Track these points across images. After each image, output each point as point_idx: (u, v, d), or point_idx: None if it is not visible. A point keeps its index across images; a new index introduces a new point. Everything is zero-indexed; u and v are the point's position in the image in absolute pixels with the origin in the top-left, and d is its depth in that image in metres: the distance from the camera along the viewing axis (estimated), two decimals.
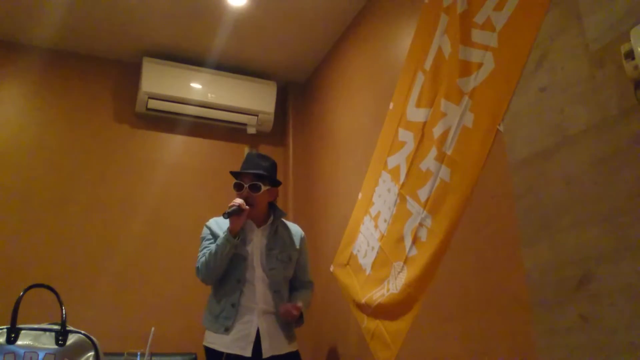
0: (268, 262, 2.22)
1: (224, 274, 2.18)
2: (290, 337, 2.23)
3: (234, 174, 2.30)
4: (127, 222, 3.01)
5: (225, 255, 2.12)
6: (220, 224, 2.28)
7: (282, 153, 3.51)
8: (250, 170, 2.25)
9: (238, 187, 2.24)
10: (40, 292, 1.41)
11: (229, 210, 2.09)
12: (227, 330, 2.11)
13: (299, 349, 2.27)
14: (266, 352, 2.11)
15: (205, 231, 2.30)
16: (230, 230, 2.12)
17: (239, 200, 2.14)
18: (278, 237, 2.30)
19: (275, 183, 2.32)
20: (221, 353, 2.09)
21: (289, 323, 2.23)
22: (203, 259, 2.17)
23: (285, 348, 2.18)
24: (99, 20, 2.94)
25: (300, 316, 2.22)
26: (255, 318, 2.14)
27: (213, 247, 2.15)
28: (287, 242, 2.32)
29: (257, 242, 2.25)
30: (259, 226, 2.29)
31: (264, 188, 2.23)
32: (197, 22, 2.97)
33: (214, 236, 2.24)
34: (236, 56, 3.31)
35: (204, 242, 2.26)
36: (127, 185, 3.09)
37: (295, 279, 2.35)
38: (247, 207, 2.15)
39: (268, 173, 2.27)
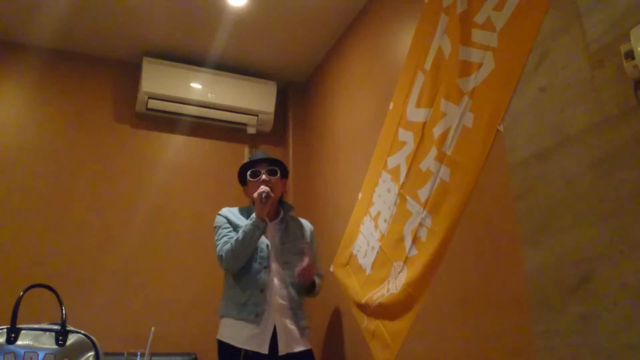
0: (282, 256, 2.24)
1: (246, 263, 2.18)
2: (303, 332, 2.20)
3: (245, 166, 2.34)
4: (127, 222, 3.01)
5: (254, 241, 2.14)
6: (235, 213, 2.31)
7: (282, 153, 3.51)
8: (263, 157, 2.33)
9: (255, 175, 2.28)
10: (40, 292, 1.41)
11: (264, 195, 2.15)
12: (257, 315, 2.09)
13: None
14: (282, 349, 2.10)
15: (220, 220, 2.30)
16: (257, 216, 2.16)
17: (266, 188, 2.19)
18: (290, 231, 2.33)
19: (284, 173, 2.38)
20: (236, 349, 2.07)
21: (302, 318, 2.21)
22: (228, 246, 2.16)
23: (299, 345, 2.17)
24: (99, 20, 2.94)
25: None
26: (271, 313, 2.14)
27: (239, 234, 2.15)
28: (299, 235, 2.36)
29: (270, 236, 2.27)
30: (270, 221, 2.30)
31: (279, 173, 2.30)
32: (197, 22, 2.97)
33: (232, 224, 2.26)
34: (236, 56, 3.31)
35: (221, 231, 2.26)
36: (127, 185, 3.09)
37: None
38: (272, 194, 2.21)
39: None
